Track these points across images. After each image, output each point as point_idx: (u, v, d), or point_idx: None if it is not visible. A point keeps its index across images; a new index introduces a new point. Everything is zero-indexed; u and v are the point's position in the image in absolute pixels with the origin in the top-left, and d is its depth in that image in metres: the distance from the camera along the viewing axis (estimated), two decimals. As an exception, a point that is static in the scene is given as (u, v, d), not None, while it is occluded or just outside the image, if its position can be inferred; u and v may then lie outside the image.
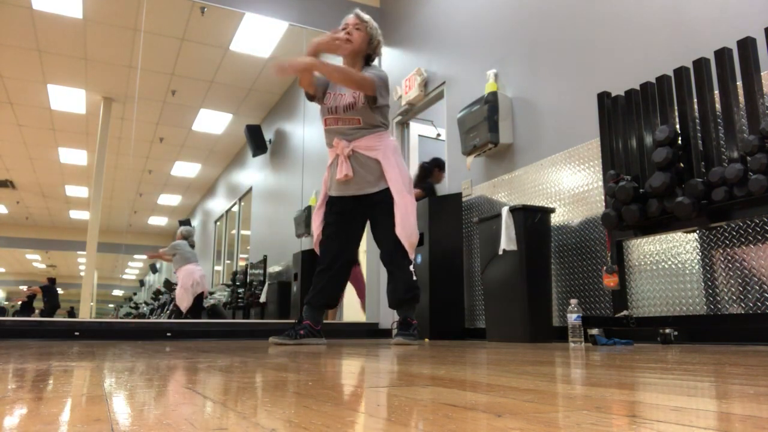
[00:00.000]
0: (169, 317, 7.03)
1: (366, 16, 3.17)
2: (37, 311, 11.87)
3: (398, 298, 3.03)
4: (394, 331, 3.08)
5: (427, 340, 3.99)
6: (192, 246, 6.94)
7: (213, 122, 8.72)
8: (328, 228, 3.12)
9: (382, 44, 3.29)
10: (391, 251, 3.03)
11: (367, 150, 3.06)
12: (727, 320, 2.58)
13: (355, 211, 3.12)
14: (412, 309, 3.08)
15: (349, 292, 6.97)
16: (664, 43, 3.05)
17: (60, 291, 11.50)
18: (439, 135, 5.87)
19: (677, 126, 2.74)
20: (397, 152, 3.13)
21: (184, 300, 6.50)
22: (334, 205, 3.14)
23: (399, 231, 3.01)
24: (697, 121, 2.64)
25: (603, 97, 3.15)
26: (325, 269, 3.05)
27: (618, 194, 2.82)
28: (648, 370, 1.23)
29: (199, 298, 6.68)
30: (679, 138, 2.69)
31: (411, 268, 3.07)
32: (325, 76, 2.99)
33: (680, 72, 2.74)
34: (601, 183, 3.28)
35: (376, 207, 3.08)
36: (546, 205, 3.66)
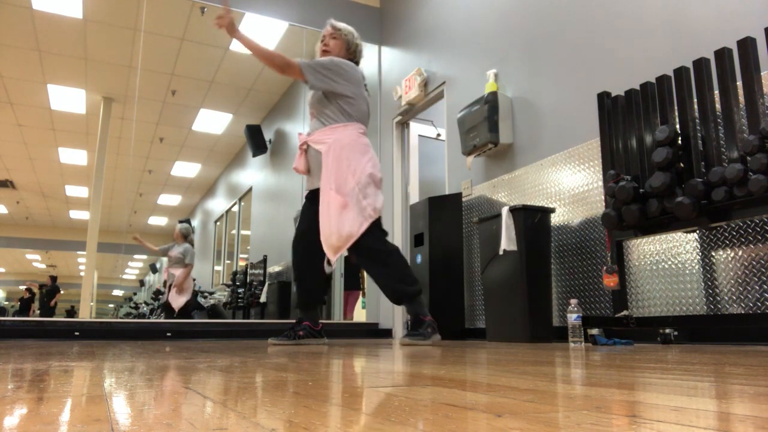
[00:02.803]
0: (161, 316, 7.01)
1: (340, 24, 3.20)
2: (37, 312, 11.88)
3: (395, 297, 2.96)
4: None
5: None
6: (192, 245, 6.90)
7: (213, 122, 8.72)
8: (300, 223, 3.10)
9: (362, 47, 3.28)
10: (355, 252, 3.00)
11: (316, 143, 3.02)
12: (727, 320, 2.58)
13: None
14: (419, 304, 2.98)
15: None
16: (664, 43, 3.05)
17: (58, 290, 11.53)
18: (439, 135, 5.87)
19: (677, 126, 2.74)
20: (349, 148, 2.97)
21: (176, 300, 6.51)
22: (308, 202, 3.13)
23: (320, 233, 2.93)
24: (697, 121, 2.64)
25: (603, 97, 3.15)
26: (304, 267, 3.03)
27: (618, 194, 2.82)
28: (648, 370, 1.23)
29: (189, 301, 6.67)
30: (679, 138, 2.69)
31: (394, 259, 2.94)
32: (247, 48, 2.90)
33: (680, 72, 2.74)
34: (601, 183, 3.28)
35: None
36: (546, 205, 3.66)
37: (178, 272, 6.59)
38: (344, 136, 2.98)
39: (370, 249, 2.93)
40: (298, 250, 3.06)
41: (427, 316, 2.97)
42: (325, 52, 3.16)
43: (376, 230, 2.95)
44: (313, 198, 3.08)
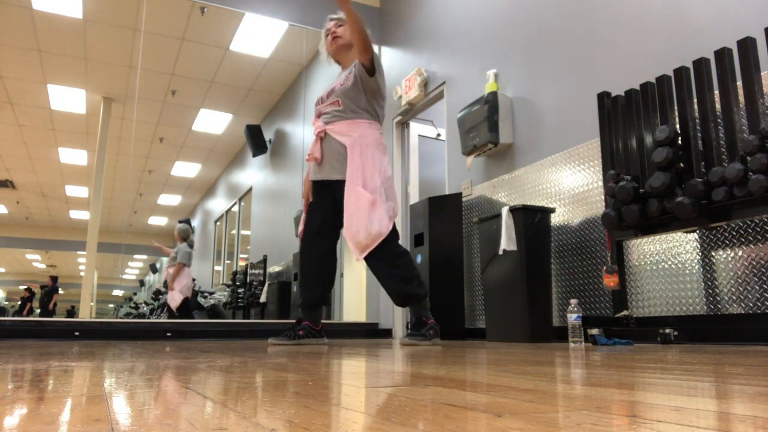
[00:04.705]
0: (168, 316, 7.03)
1: (341, 14, 3.17)
2: (36, 311, 11.88)
3: (401, 299, 2.93)
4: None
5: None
6: (191, 245, 6.93)
7: (213, 122, 8.72)
8: (310, 221, 3.02)
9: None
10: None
11: (339, 134, 2.94)
12: (727, 320, 2.58)
13: (331, 199, 2.99)
14: (424, 307, 2.96)
15: (348, 290, 6.98)
16: (664, 43, 3.05)
17: (60, 291, 11.53)
18: (439, 135, 5.87)
19: (677, 126, 2.74)
20: (374, 146, 2.93)
21: (172, 300, 6.57)
22: (315, 194, 3.05)
23: (344, 229, 2.88)
24: (697, 121, 2.64)
25: (603, 97, 3.15)
26: (310, 266, 2.98)
27: (618, 194, 2.82)
28: (648, 370, 1.23)
29: (187, 300, 6.71)
30: (679, 138, 2.69)
31: (404, 261, 2.89)
32: (345, 15, 2.84)
33: (680, 72, 2.74)
34: (601, 183, 3.28)
35: (340, 198, 2.95)
36: (546, 205, 3.66)
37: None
38: (369, 134, 2.95)
39: (382, 249, 2.89)
40: (307, 252, 3.00)
41: (431, 318, 2.96)
42: (335, 39, 3.12)
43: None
44: (321, 191, 3.02)
